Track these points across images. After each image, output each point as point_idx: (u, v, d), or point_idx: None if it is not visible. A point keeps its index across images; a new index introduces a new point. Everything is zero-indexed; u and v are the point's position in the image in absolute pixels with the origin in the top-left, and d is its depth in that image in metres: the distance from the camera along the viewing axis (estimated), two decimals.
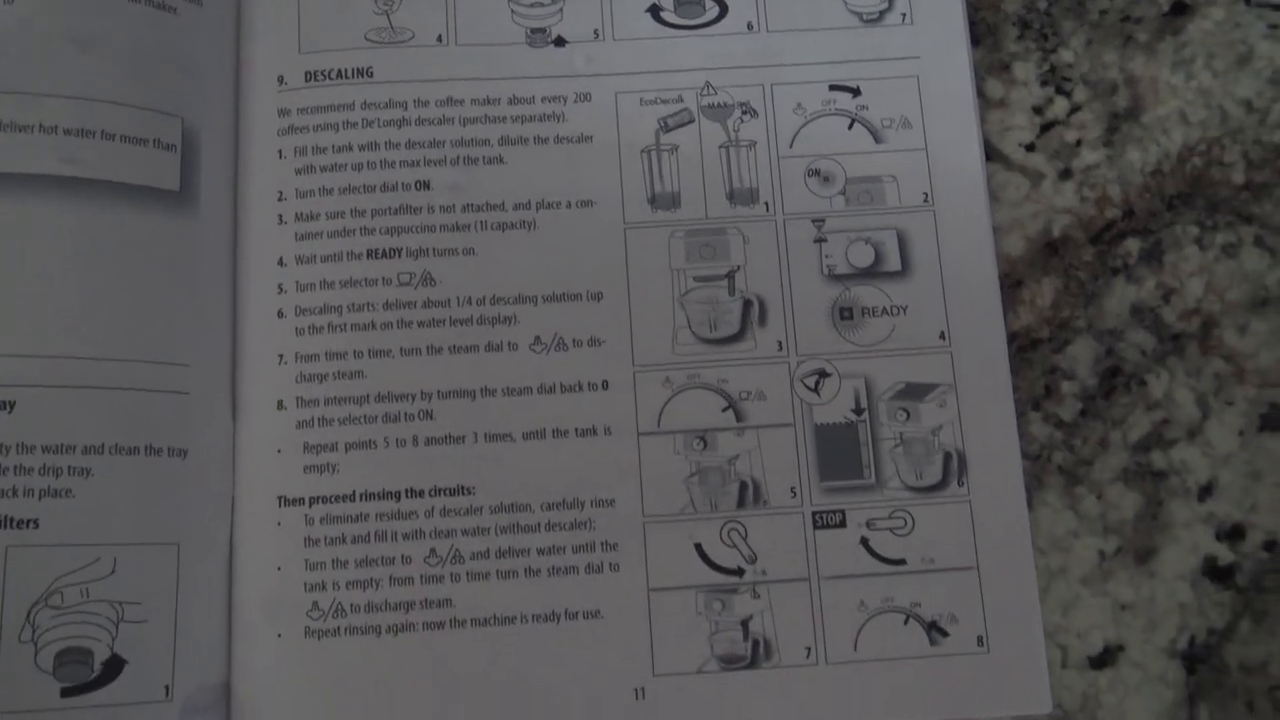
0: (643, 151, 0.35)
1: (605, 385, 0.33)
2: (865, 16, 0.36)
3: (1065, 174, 0.35)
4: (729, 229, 0.34)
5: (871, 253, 0.34)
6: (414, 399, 0.33)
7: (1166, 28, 0.36)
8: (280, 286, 0.34)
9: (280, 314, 0.34)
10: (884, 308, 0.34)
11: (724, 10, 0.36)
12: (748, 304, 0.34)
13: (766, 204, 0.34)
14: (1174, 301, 0.34)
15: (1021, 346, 0.34)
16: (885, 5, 0.36)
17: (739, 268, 0.34)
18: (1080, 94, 0.36)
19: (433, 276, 0.34)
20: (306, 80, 0.35)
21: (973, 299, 0.34)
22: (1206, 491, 0.33)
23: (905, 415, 0.33)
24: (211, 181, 0.34)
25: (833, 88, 0.35)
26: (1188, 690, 0.32)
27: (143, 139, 0.33)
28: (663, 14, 0.36)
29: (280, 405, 0.33)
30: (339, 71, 0.35)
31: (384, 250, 0.34)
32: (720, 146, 0.35)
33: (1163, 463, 0.33)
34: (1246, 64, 0.36)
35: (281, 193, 0.34)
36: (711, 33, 0.36)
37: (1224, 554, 0.33)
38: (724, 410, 0.33)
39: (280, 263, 0.34)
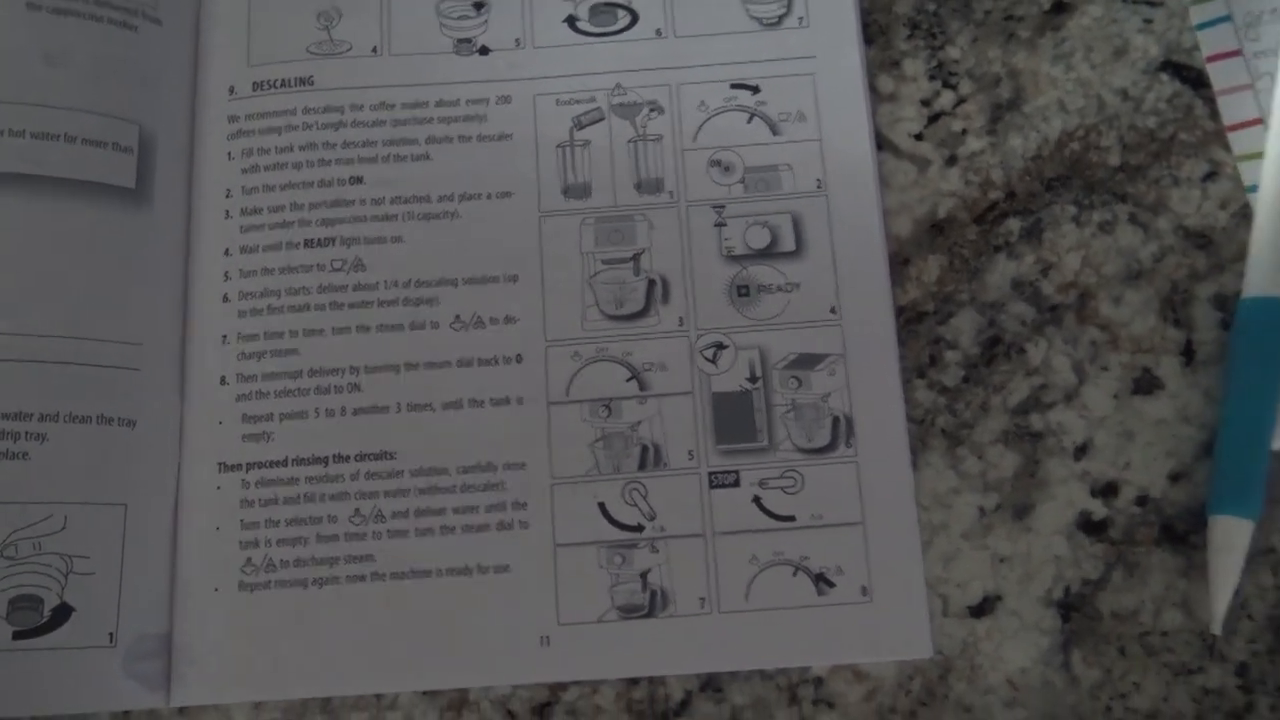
0: (558, 146, 0.38)
1: (519, 359, 0.36)
2: (765, 21, 0.39)
3: (951, 160, 0.38)
4: (636, 215, 0.37)
5: (768, 235, 0.37)
6: (343, 373, 0.36)
7: (1047, 24, 0.39)
8: (226, 274, 0.37)
9: (225, 298, 0.37)
10: (778, 285, 0.36)
11: (635, 18, 0.39)
12: (651, 283, 0.37)
13: (671, 192, 0.37)
14: (1052, 275, 0.37)
15: (908, 319, 0.36)
16: (783, 10, 0.39)
17: (644, 250, 0.37)
18: (966, 87, 0.38)
19: (363, 262, 0.37)
20: (254, 90, 0.39)
21: (862, 276, 0.36)
22: (1082, 451, 0.35)
23: (797, 383, 0.36)
24: (166, 180, 0.37)
25: (734, 86, 0.38)
26: (1062, 637, 0.34)
27: (102, 142, 0.37)
28: (578, 23, 0.39)
29: (223, 381, 0.36)
30: (283, 81, 0.39)
31: (319, 239, 0.37)
32: (629, 141, 0.38)
33: (1040, 425, 0.36)
34: (1123, 55, 0.38)
35: (229, 190, 0.38)
36: (623, 39, 0.39)
37: (1098, 509, 0.35)
38: (628, 380, 0.36)
39: (226, 252, 0.37)
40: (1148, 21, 0.39)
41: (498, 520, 0.35)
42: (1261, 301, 0.35)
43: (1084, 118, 0.38)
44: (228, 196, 0.38)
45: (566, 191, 0.37)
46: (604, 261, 0.37)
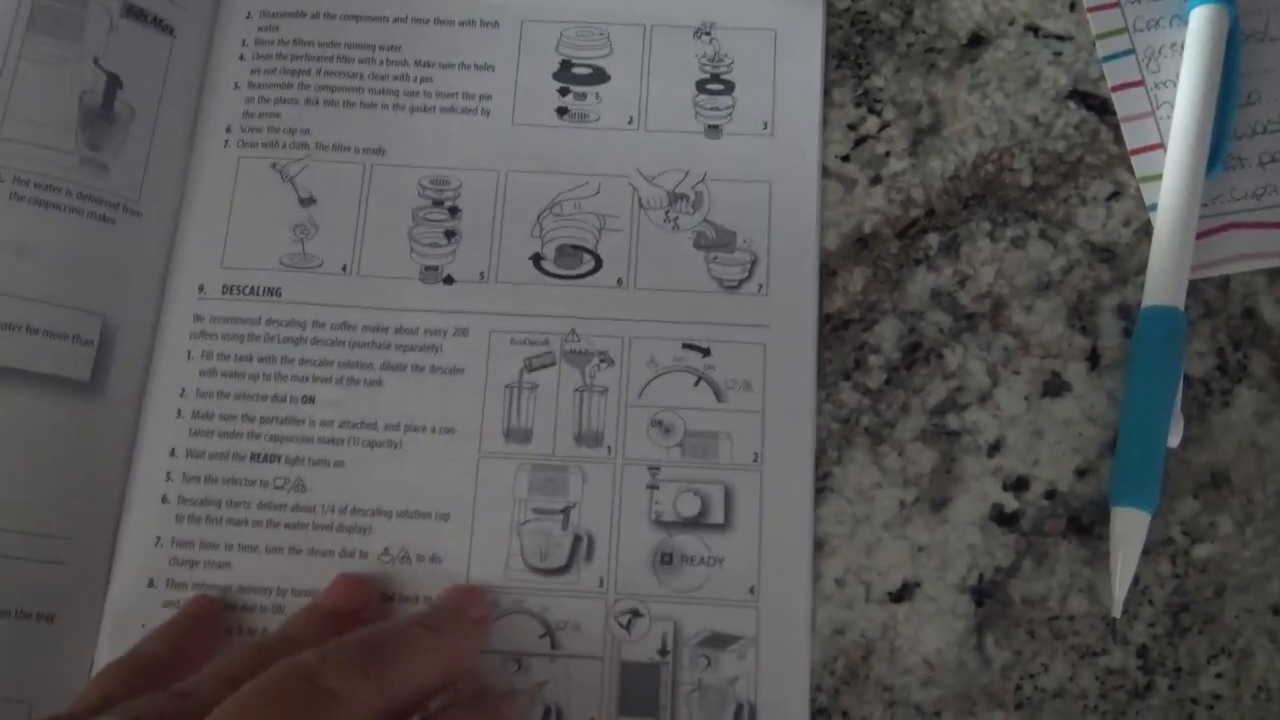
0: (506, 387, 0.38)
1: None
2: (725, 283, 0.39)
3: (875, 180, 0.41)
4: (571, 467, 0.38)
5: (699, 504, 0.37)
6: (270, 594, 0.37)
7: (965, 56, 0.42)
8: (168, 474, 0.38)
9: (164, 499, 0.38)
10: (702, 557, 0.37)
11: (599, 264, 0.40)
12: (577, 539, 0.37)
13: (609, 447, 0.38)
14: (968, 286, 0.40)
15: (835, 326, 0.39)
16: (745, 275, 0.39)
17: (575, 504, 0.37)
18: (889, 113, 0.41)
19: (305, 484, 0.38)
20: (223, 292, 0.40)
21: (786, 558, 0.37)
22: (995, 449, 0.38)
23: (706, 662, 0.36)
24: (121, 373, 0.38)
25: (685, 345, 0.39)
26: (976, 621, 0.37)
27: (63, 334, 0.37)
28: (543, 262, 0.40)
29: (151, 584, 0.37)
30: (252, 288, 0.40)
31: (266, 455, 0.38)
32: (575, 390, 0.38)
33: (956, 424, 0.38)
34: (1034, 85, 0.42)
35: (184, 389, 0.39)
36: (585, 283, 0.40)
37: (1010, 502, 0.38)
38: (541, 637, 0.36)
39: (172, 453, 0.38)
40: (1057, 54, 0.42)
41: None
42: (1160, 310, 0.38)
43: (998, 142, 0.41)
44: (181, 395, 0.39)
45: (508, 434, 0.38)
46: (534, 510, 0.37)
